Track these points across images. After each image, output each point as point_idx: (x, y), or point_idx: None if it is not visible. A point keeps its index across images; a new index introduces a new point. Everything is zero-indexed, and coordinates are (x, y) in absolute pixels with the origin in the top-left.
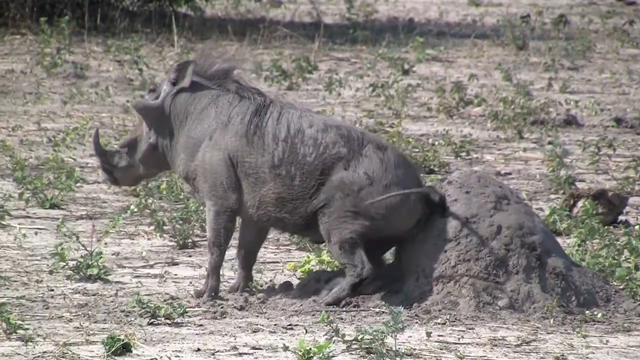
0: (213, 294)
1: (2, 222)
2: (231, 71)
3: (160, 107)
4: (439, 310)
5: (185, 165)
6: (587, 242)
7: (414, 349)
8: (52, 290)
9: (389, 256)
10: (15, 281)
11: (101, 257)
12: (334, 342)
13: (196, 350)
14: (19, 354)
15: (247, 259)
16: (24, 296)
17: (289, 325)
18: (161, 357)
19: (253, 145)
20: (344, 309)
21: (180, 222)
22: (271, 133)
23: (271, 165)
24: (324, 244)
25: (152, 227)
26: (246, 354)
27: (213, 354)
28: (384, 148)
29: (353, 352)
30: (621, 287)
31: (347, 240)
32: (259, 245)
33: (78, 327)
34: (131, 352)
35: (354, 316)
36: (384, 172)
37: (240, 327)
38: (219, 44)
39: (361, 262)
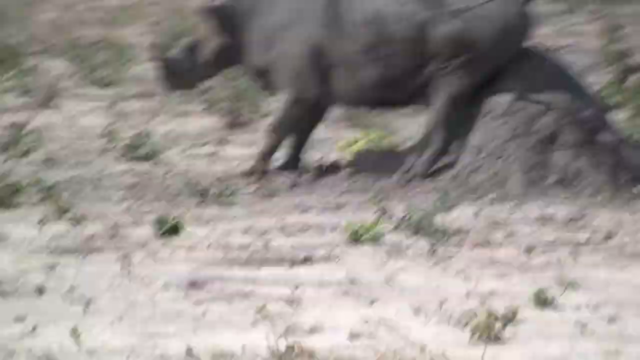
0: (259, 175)
1: (55, 102)
2: None
3: (225, 7)
4: (489, 187)
5: (262, 58)
6: (639, 117)
7: (463, 227)
8: (103, 170)
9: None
10: (66, 162)
11: (152, 137)
12: (382, 221)
13: (245, 231)
14: (69, 235)
15: (300, 141)
16: (75, 177)
17: (338, 204)
18: (210, 237)
19: (336, 33)
20: (394, 187)
21: (231, 100)
22: (350, 20)
23: (362, 49)
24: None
25: (203, 106)
26: (295, 233)
27: (262, 234)
28: None
29: (402, 231)
30: None
31: (458, 95)
32: (313, 129)
33: (128, 208)
34: (181, 232)
35: (403, 195)
36: (473, 10)
37: (289, 206)
38: None
39: (453, 125)
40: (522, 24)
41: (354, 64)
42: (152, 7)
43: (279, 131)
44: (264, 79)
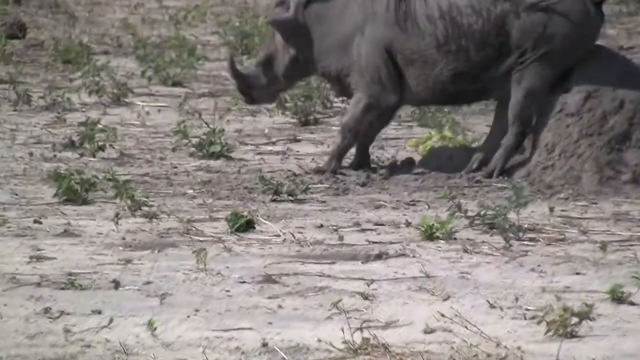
0: (331, 173)
1: (126, 100)
2: None
3: (294, 18)
4: (562, 185)
5: (338, 64)
6: None
7: (537, 224)
8: (176, 167)
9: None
10: (139, 158)
11: (224, 134)
12: (456, 218)
13: (319, 226)
14: (144, 230)
15: (370, 140)
16: (148, 173)
17: (412, 201)
18: (284, 233)
19: (408, 31)
20: (466, 184)
21: (302, 99)
22: (424, 15)
23: (437, 45)
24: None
25: (274, 104)
26: (369, 229)
27: (336, 230)
28: None
29: (475, 228)
30: None
31: (536, 89)
32: (384, 128)
33: (201, 204)
34: (254, 228)
35: (476, 192)
36: (554, 1)
37: (362, 203)
38: None
39: (529, 120)
40: (598, 20)
41: (429, 60)
42: (219, 8)
43: (353, 133)
44: (340, 85)
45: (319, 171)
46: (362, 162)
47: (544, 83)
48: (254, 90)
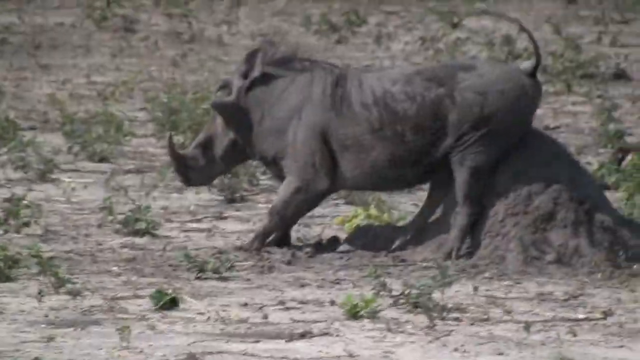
0: (256, 251)
1: (52, 176)
2: (296, 54)
3: (236, 101)
4: (487, 265)
5: (274, 147)
6: (636, 196)
7: (461, 304)
8: (101, 244)
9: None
10: (64, 235)
11: (149, 211)
12: (381, 297)
13: (243, 305)
14: (67, 308)
15: (293, 222)
16: (73, 250)
17: (336, 279)
18: (208, 311)
19: (343, 116)
20: (391, 263)
21: (229, 176)
22: (359, 101)
23: (372, 130)
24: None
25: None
26: (293, 308)
27: (260, 308)
28: (473, 66)
29: (400, 307)
30: None
31: (481, 167)
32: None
33: (126, 281)
34: (179, 306)
35: (401, 270)
36: (489, 81)
37: (287, 281)
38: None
39: (478, 202)
40: (535, 90)
41: (365, 145)
42: (147, 84)
43: (280, 216)
44: (276, 169)
45: (244, 249)
46: (282, 241)
47: (489, 160)
48: (191, 171)
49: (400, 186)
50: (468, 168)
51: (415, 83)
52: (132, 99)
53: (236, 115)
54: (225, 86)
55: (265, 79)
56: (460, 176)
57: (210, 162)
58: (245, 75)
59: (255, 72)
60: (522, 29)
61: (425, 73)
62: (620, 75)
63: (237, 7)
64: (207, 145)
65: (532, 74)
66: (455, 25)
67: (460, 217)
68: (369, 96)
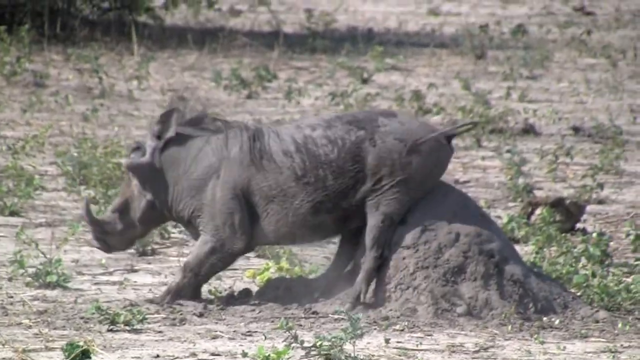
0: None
1: None
2: (207, 113)
3: (151, 162)
4: (398, 317)
5: (190, 206)
6: (545, 250)
7: (373, 355)
8: (12, 297)
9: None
10: None
11: (60, 264)
12: (292, 349)
13: (155, 357)
14: None
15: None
16: None
17: (248, 331)
18: None
19: (264, 169)
20: (303, 315)
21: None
22: (280, 151)
23: (295, 177)
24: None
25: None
26: (205, 359)
27: None
28: (393, 114)
29: (312, 359)
30: (578, 294)
31: (394, 214)
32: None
33: (37, 334)
34: (90, 358)
35: (313, 322)
36: (409, 129)
37: (199, 333)
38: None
39: (386, 245)
40: (449, 151)
41: (289, 194)
42: (57, 138)
43: (194, 273)
44: (193, 228)
45: (155, 302)
46: (194, 295)
47: (401, 208)
48: (109, 237)
49: (320, 235)
50: (382, 214)
51: (336, 127)
52: (43, 153)
53: (151, 176)
54: (137, 148)
55: (180, 139)
56: (373, 220)
57: (128, 226)
58: (158, 136)
59: (170, 132)
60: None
61: (346, 117)
62: (528, 130)
63: (147, 62)
64: (124, 209)
65: (449, 137)
66: (365, 81)
67: (367, 261)
68: (290, 144)
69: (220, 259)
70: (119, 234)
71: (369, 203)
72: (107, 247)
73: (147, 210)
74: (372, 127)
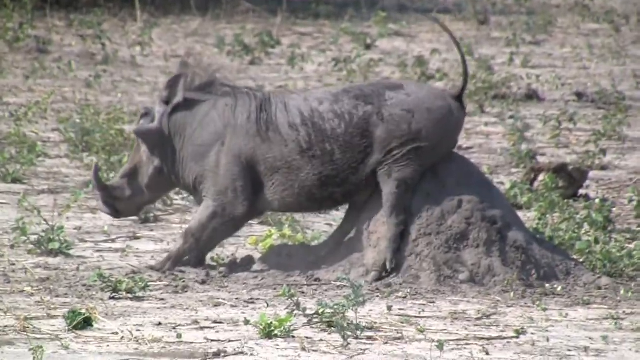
0: (171, 272)
1: None
2: (215, 79)
3: (159, 128)
4: (400, 284)
5: (194, 172)
6: (548, 216)
7: (375, 323)
8: (14, 264)
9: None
10: None
11: (63, 232)
12: (295, 316)
13: (157, 324)
14: None
15: (210, 247)
16: None
17: (250, 299)
18: (122, 331)
19: (270, 140)
20: (305, 282)
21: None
22: (286, 123)
23: (300, 150)
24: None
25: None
26: (207, 327)
27: (174, 328)
28: (400, 86)
29: (314, 326)
30: (581, 260)
31: (407, 179)
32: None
33: (39, 302)
34: (92, 326)
35: (315, 290)
36: (416, 99)
37: (201, 301)
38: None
39: (405, 209)
40: (460, 114)
41: (294, 167)
42: (60, 104)
43: (195, 238)
44: (198, 195)
45: (157, 269)
46: (198, 262)
47: (415, 174)
48: (118, 202)
49: (328, 206)
50: (395, 180)
51: (343, 101)
52: (45, 119)
53: (160, 141)
54: (146, 114)
55: (187, 104)
56: (387, 188)
57: (137, 192)
58: (167, 101)
59: (178, 98)
60: (461, 54)
61: (353, 91)
62: (531, 96)
63: (151, 28)
64: (132, 175)
65: (458, 97)
66: (368, 47)
67: (388, 228)
68: (297, 116)
69: (222, 223)
70: (127, 199)
71: (381, 172)
72: (115, 213)
73: (155, 176)
74: (380, 101)
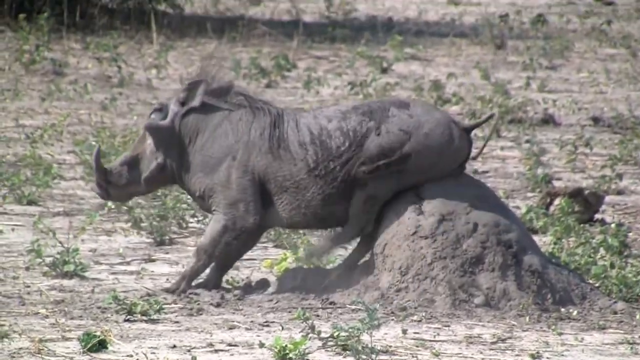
0: (183, 293)
1: None
2: (233, 85)
3: (170, 127)
4: (415, 308)
5: (203, 184)
6: (563, 240)
7: (390, 346)
8: (29, 286)
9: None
10: None
11: (78, 254)
12: (310, 339)
13: (172, 347)
14: None
15: (227, 265)
16: (0, 292)
17: (265, 322)
18: (137, 353)
19: (281, 158)
20: (320, 305)
21: (157, 219)
22: (296, 141)
23: (308, 169)
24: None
25: (129, 224)
26: (222, 350)
27: (189, 351)
28: (407, 104)
29: (329, 349)
30: (597, 284)
31: (379, 196)
32: (243, 254)
33: (54, 324)
34: (107, 348)
35: (330, 313)
36: (417, 122)
37: (216, 323)
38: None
39: (366, 223)
40: (463, 146)
41: (301, 186)
42: (76, 127)
43: (208, 255)
44: (203, 202)
45: (171, 291)
46: (213, 284)
47: (388, 193)
48: (111, 187)
49: (330, 224)
50: (366, 194)
51: (351, 118)
52: (61, 142)
53: (168, 140)
54: (160, 109)
55: (203, 109)
56: (356, 198)
57: (132, 181)
58: (183, 103)
59: (195, 102)
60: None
61: (362, 108)
62: (548, 121)
63: (167, 51)
64: (132, 164)
65: (468, 129)
66: (384, 70)
67: (345, 229)
68: (307, 135)
69: (234, 237)
70: (121, 186)
71: (357, 182)
72: (106, 196)
73: (156, 171)
74: (382, 116)
